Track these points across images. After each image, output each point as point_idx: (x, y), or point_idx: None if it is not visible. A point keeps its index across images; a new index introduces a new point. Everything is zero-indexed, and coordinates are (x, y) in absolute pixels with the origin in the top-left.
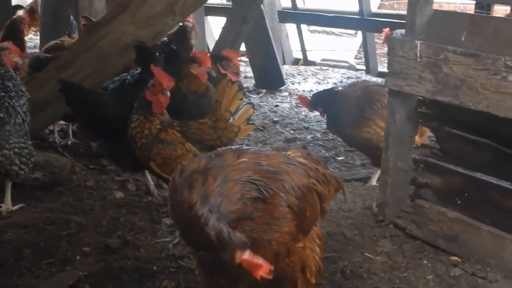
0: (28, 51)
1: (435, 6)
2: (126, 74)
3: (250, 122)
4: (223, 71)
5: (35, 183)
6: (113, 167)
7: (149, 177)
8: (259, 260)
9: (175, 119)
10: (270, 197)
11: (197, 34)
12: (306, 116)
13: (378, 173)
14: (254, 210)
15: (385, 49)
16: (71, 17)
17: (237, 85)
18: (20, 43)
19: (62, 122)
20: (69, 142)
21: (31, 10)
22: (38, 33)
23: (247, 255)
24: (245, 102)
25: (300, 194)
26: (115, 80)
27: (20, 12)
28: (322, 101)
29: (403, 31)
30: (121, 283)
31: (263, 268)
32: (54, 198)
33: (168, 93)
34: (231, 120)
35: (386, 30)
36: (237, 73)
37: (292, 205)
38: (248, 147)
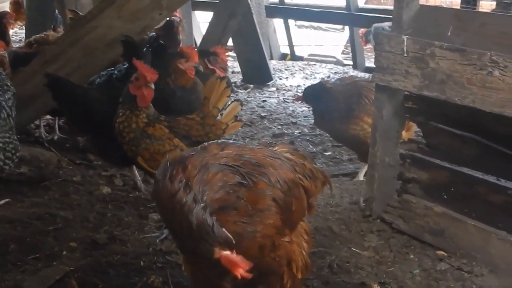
0: (14, 45)
1: (422, 1)
2: (113, 68)
3: (237, 119)
4: (210, 67)
5: (21, 178)
6: (100, 162)
7: (136, 172)
8: (237, 258)
9: (163, 114)
10: (254, 185)
11: (185, 29)
12: (293, 111)
13: (365, 168)
14: (238, 200)
15: None
16: (56, 11)
17: (226, 82)
18: (4, 37)
19: (48, 116)
20: (56, 137)
21: (16, 4)
22: (24, 27)
23: (226, 252)
24: (233, 99)
25: (286, 188)
26: (102, 74)
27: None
28: (311, 96)
29: (383, 24)
30: (108, 278)
31: (242, 267)
32: (41, 193)
33: (152, 86)
34: (219, 117)
35: (362, 30)
36: (224, 68)
37: (278, 199)
38: (234, 141)
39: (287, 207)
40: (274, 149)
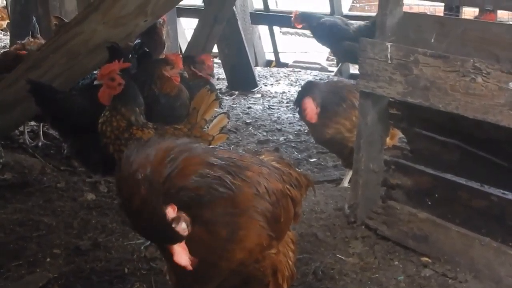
0: None
1: (405, 8)
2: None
3: (222, 132)
4: (198, 73)
5: (4, 184)
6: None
7: None
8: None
9: (148, 120)
10: (239, 188)
11: (169, 33)
12: (278, 118)
13: (350, 175)
14: (215, 199)
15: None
16: (33, 18)
17: (215, 94)
18: None
19: (32, 123)
20: (40, 143)
21: None
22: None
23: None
24: (220, 112)
25: (274, 199)
26: (85, 80)
27: None
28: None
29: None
30: (91, 285)
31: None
32: (24, 199)
33: (102, 83)
34: (205, 129)
35: (295, 11)
36: (211, 74)
37: (266, 211)
38: (222, 148)
39: (275, 220)
40: (261, 157)
